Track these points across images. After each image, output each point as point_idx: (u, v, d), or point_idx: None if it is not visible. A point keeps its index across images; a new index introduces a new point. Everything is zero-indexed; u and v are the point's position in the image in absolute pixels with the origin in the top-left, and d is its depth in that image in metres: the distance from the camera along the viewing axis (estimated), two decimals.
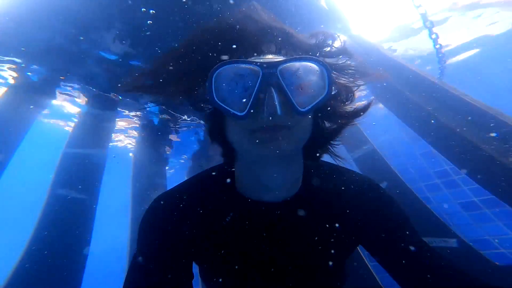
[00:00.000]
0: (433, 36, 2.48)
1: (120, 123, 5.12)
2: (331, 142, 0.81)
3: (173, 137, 5.14)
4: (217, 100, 0.62)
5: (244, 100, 0.61)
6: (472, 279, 0.67)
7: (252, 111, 0.61)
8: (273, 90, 0.59)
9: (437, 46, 2.52)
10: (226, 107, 0.62)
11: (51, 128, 4.86)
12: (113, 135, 5.14)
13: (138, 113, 4.77)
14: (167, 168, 5.33)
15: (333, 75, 0.72)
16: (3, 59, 3.67)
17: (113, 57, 3.47)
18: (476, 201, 3.80)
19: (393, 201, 0.83)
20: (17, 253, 3.24)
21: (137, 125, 5.02)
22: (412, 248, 0.72)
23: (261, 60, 0.63)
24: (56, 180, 3.89)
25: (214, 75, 0.62)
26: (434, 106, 2.77)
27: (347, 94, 0.77)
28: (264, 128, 0.62)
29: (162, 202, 0.80)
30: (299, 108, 0.62)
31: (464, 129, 2.41)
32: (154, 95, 0.77)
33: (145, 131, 5.07)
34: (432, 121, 2.64)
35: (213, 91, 0.62)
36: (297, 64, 0.63)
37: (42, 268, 3.20)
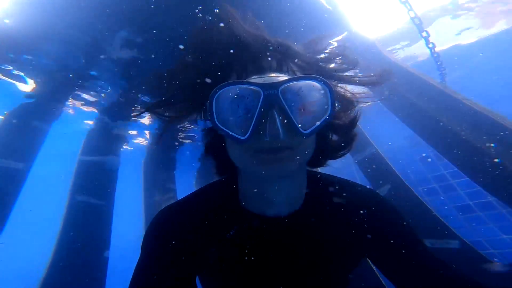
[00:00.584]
0: (430, 45, 2.51)
1: (131, 132, 5.29)
2: (337, 155, 0.80)
3: (182, 141, 5.26)
4: (218, 124, 0.61)
5: (246, 123, 0.60)
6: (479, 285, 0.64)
7: (254, 134, 0.60)
8: (275, 112, 0.58)
9: (435, 55, 2.55)
10: (228, 131, 0.61)
11: (66, 136, 5.06)
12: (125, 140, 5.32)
13: (149, 121, 4.92)
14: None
15: (335, 90, 0.69)
16: (13, 70, 3.81)
17: (122, 64, 3.50)
18: (471, 204, 3.91)
19: (397, 213, 0.81)
20: (45, 257, 3.50)
21: (147, 132, 5.18)
22: (418, 259, 0.72)
23: (262, 81, 0.61)
24: (74, 187, 4.12)
25: (215, 98, 0.61)
26: (438, 111, 2.79)
27: (348, 107, 0.76)
28: (267, 149, 0.61)
29: (166, 215, 0.79)
30: (302, 131, 0.61)
31: (467, 133, 2.45)
32: (159, 116, 0.77)
33: (154, 138, 5.23)
34: (441, 124, 2.66)
35: (214, 114, 0.61)
36: (299, 83, 0.61)
37: (69, 272, 3.45)
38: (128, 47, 3.20)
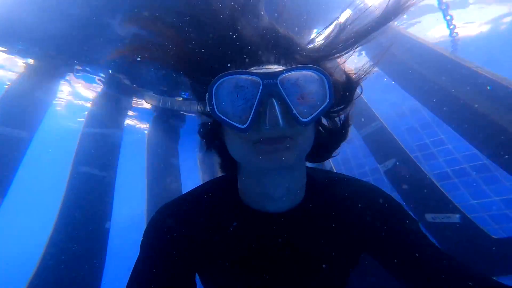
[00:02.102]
0: (448, 17, 2.52)
1: (135, 102, 5.27)
2: (336, 147, 0.81)
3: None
4: (218, 113, 0.62)
5: (245, 112, 0.61)
6: (486, 281, 0.63)
7: (253, 123, 0.60)
8: (274, 101, 0.59)
9: (451, 27, 2.56)
10: (228, 120, 0.61)
11: (70, 108, 5.05)
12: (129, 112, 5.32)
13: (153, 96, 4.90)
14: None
15: (334, 78, 0.70)
16: (13, 47, 3.79)
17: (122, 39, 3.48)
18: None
19: (400, 208, 0.81)
20: (49, 226, 3.52)
21: (151, 105, 5.16)
22: (422, 255, 0.70)
23: (261, 71, 0.62)
24: (77, 158, 4.12)
25: (214, 87, 0.62)
26: (446, 79, 2.77)
27: (347, 93, 0.75)
28: (266, 139, 0.61)
29: (165, 212, 0.80)
30: (301, 119, 0.61)
31: (478, 103, 2.44)
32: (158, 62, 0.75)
33: (157, 110, 5.21)
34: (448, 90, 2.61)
35: (214, 104, 0.61)
36: (297, 73, 0.62)
37: (71, 241, 3.48)
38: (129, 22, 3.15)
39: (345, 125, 0.79)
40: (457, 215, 3.11)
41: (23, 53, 4.07)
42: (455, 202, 3.13)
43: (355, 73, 0.76)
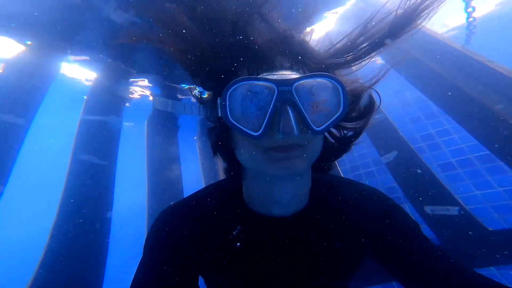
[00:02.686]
0: (469, 9, 2.42)
1: (134, 91, 5.18)
2: (342, 154, 0.81)
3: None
4: (232, 120, 0.60)
5: (259, 119, 0.60)
6: (488, 284, 0.63)
7: (267, 130, 0.59)
8: (289, 108, 0.58)
9: (470, 19, 2.46)
10: (241, 127, 0.60)
11: (67, 94, 4.98)
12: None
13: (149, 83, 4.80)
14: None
15: (347, 89, 0.68)
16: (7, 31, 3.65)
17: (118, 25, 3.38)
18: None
19: (402, 211, 0.81)
20: (51, 214, 3.55)
21: (149, 93, 5.08)
22: (423, 255, 0.71)
23: (275, 77, 0.61)
24: (76, 145, 4.10)
25: (228, 93, 0.60)
26: (457, 75, 2.70)
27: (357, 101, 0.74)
28: (278, 147, 0.61)
29: (169, 215, 0.80)
30: (315, 127, 0.61)
31: (486, 98, 2.38)
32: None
33: (157, 96, 5.14)
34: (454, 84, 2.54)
35: (228, 110, 0.60)
36: (312, 81, 0.61)
37: (73, 231, 3.53)
38: (123, 9, 3.03)
39: (351, 138, 0.79)
40: (456, 208, 3.13)
41: (18, 37, 3.94)
42: (455, 194, 3.15)
43: (370, 80, 0.74)
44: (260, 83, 0.59)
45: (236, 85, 0.60)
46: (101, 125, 4.32)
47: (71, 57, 4.31)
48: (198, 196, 0.84)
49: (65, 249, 3.44)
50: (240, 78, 0.60)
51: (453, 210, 3.19)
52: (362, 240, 0.79)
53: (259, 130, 0.59)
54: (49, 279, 3.24)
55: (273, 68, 0.64)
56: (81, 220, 3.64)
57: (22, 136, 3.77)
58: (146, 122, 5.12)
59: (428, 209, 3.28)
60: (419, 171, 3.19)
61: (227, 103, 0.60)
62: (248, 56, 0.65)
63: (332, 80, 0.62)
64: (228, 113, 0.60)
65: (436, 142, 4.49)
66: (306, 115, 0.60)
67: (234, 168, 0.83)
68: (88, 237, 3.63)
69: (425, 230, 3.57)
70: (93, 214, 3.80)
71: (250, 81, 0.60)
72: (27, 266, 3.48)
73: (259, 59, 0.64)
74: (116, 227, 4.23)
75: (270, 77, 0.61)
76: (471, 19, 2.40)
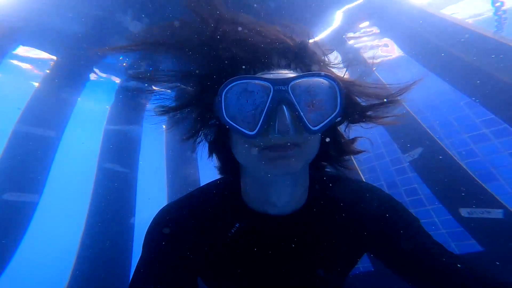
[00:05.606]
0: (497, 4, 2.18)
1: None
2: (341, 156, 0.80)
3: None
4: (227, 119, 0.60)
5: (255, 118, 0.60)
6: (492, 281, 0.62)
7: (262, 129, 0.59)
8: (284, 108, 0.57)
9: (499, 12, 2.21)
10: (237, 126, 0.60)
11: (93, 106, 5.32)
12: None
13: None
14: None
15: (345, 91, 0.67)
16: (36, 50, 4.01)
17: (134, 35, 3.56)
18: None
19: (400, 207, 0.81)
20: (81, 220, 3.74)
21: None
22: (425, 251, 0.70)
23: (272, 76, 0.61)
24: (101, 155, 4.33)
25: (224, 92, 0.60)
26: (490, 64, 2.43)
27: (358, 108, 0.73)
28: (273, 146, 0.61)
29: (167, 213, 0.80)
30: (311, 127, 0.60)
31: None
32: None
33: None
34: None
35: (223, 109, 0.60)
36: (308, 80, 0.61)
37: (103, 238, 3.70)
38: (138, 20, 3.20)
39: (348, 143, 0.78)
40: (500, 210, 2.75)
41: (50, 51, 4.29)
42: (496, 194, 2.75)
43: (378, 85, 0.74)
44: (256, 82, 0.59)
45: (232, 84, 0.59)
46: (122, 134, 4.53)
47: (97, 70, 4.60)
48: (196, 194, 0.84)
49: (94, 257, 3.61)
50: (236, 77, 0.60)
51: (497, 213, 2.81)
52: (361, 236, 0.78)
53: (255, 129, 0.59)
54: (81, 285, 3.41)
55: (270, 67, 0.64)
56: (108, 228, 3.80)
57: (54, 148, 4.05)
58: (164, 127, 5.27)
59: (464, 211, 2.92)
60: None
61: (223, 102, 0.60)
62: (245, 55, 0.65)
63: (329, 80, 0.61)
64: (224, 112, 0.60)
65: (467, 136, 3.88)
66: (302, 114, 0.59)
67: (232, 167, 0.82)
68: (114, 244, 3.77)
69: (461, 235, 3.13)
70: (118, 221, 3.95)
71: (246, 80, 0.59)
72: (62, 273, 3.70)
73: (256, 58, 0.64)
74: (139, 231, 4.35)
75: (266, 76, 0.61)
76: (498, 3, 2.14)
